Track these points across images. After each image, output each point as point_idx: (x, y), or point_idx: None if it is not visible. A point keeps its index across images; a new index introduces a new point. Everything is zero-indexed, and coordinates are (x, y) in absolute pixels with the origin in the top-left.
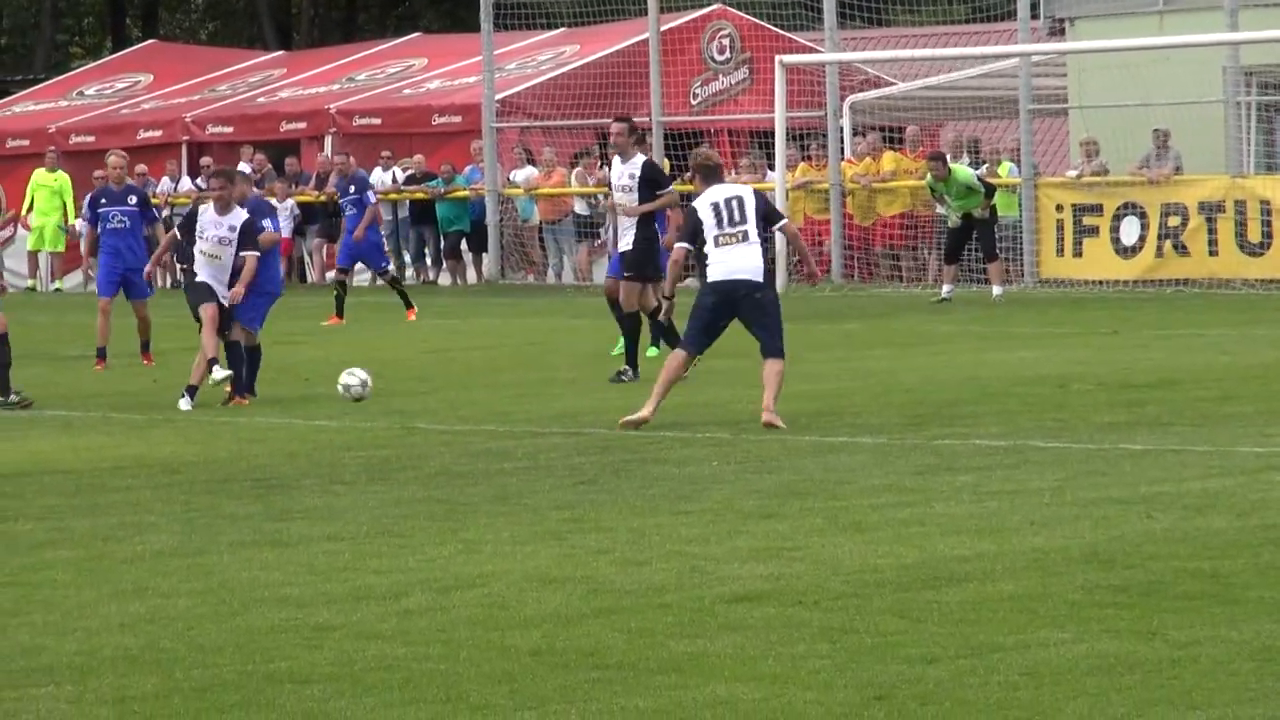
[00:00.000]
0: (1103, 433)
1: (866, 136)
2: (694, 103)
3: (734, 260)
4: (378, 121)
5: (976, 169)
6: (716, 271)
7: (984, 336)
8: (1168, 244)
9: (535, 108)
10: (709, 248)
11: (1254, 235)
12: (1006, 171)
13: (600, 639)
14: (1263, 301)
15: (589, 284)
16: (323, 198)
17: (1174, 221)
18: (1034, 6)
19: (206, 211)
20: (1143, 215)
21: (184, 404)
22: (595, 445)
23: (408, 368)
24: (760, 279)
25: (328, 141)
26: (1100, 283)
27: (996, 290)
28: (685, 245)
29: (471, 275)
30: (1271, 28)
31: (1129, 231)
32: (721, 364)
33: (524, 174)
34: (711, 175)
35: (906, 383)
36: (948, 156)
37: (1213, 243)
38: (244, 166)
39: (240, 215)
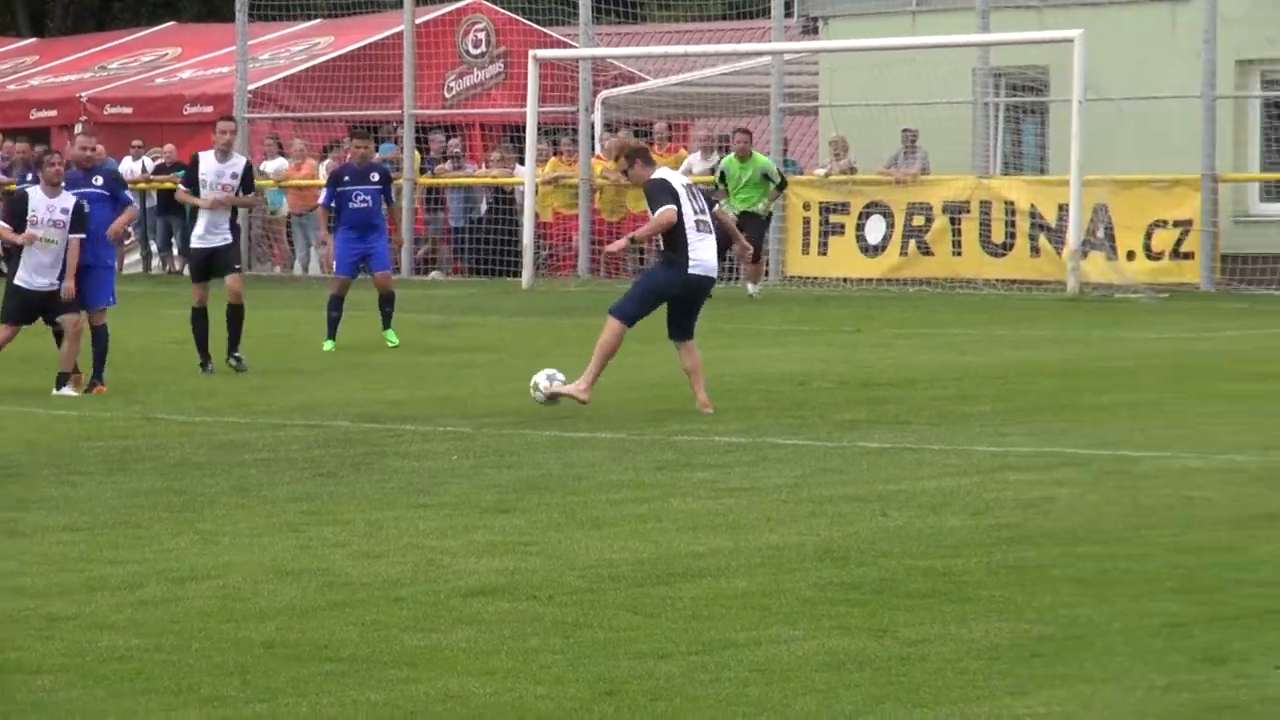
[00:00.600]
0: (841, 430)
1: (619, 132)
2: (448, 96)
3: (708, 253)
4: (129, 110)
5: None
6: (698, 263)
7: (729, 334)
8: (912, 243)
9: (288, 99)
10: (689, 231)
11: (998, 236)
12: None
13: (334, 632)
14: (1003, 302)
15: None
16: None
17: (919, 221)
18: (788, 5)
19: (36, 195)
20: (888, 215)
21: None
22: (335, 438)
23: (150, 357)
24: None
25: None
26: (845, 281)
27: (753, 288)
28: (673, 206)
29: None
30: (1021, 29)
31: (875, 230)
32: (461, 358)
33: (274, 165)
34: (650, 158)
35: (649, 378)
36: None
37: (957, 243)
38: None
39: (70, 198)
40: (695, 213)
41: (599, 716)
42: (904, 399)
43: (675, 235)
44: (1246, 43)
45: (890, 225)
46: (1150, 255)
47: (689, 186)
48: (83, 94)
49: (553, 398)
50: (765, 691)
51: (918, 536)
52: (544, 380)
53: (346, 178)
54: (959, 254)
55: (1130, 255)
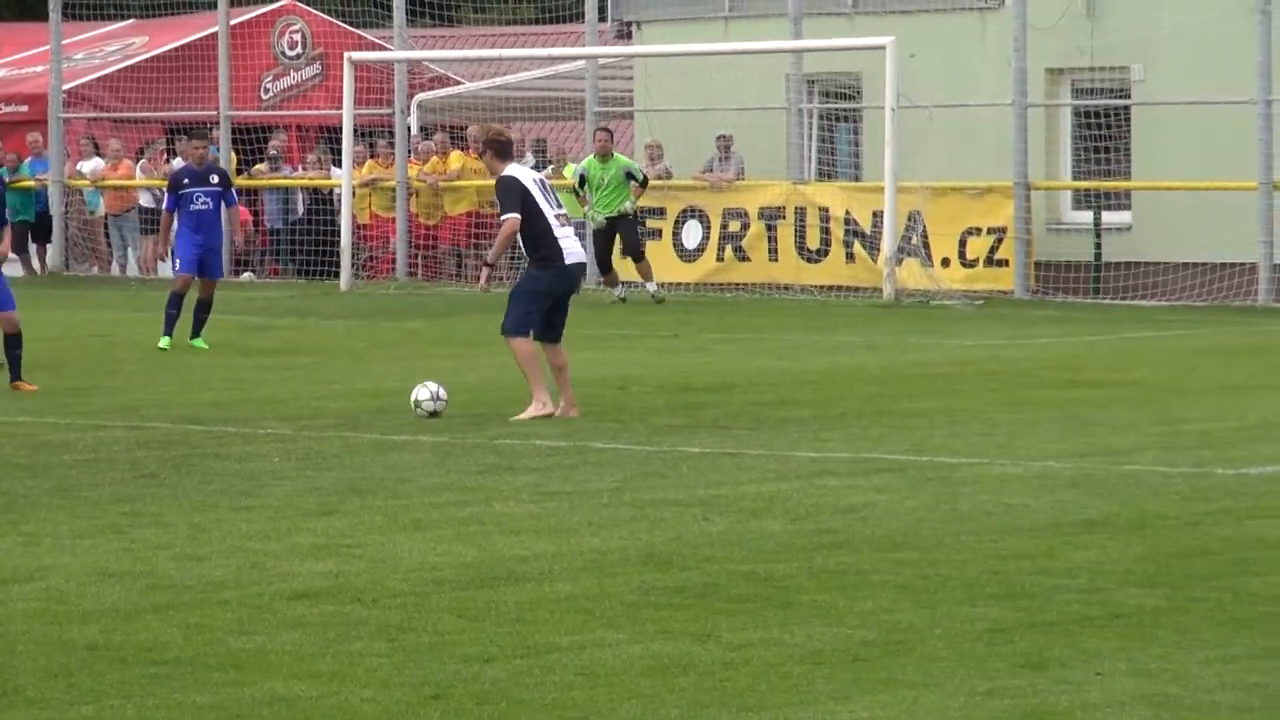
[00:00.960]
0: (661, 435)
1: (435, 135)
2: (265, 98)
3: (575, 243)
4: None
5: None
6: (569, 255)
7: None
8: (729, 249)
9: (103, 99)
10: (554, 228)
11: (813, 242)
12: (571, 173)
13: (159, 634)
14: (820, 308)
15: (154, 277)
16: None
17: (735, 226)
18: (601, 9)
19: None
20: (705, 219)
21: None
22: (157, 439)
23: None
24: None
25: None
26: (662, 285)
27: (652, 287)
28: (517, 215)
29: (36, 266)
30: (834, 37)
31: (691, 235)
32: (281, 360)
33: (91, 165)
34: (507, 152)
35: (468, 381)
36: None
37: (773, 249)
38: None
39: None
40: (553, 206)
41: None
42: (723, 404)
43: (539, 235)
44: (1056, 51)
45: (707, 230)
46: (965, 262)
47: (540, 181)
48: None
49: (434, 414)
50: (590, 695)
51: (739, 541)
52: (426, 397)
53: (186, 180)
54: (775, 260)
55: (945, 262)
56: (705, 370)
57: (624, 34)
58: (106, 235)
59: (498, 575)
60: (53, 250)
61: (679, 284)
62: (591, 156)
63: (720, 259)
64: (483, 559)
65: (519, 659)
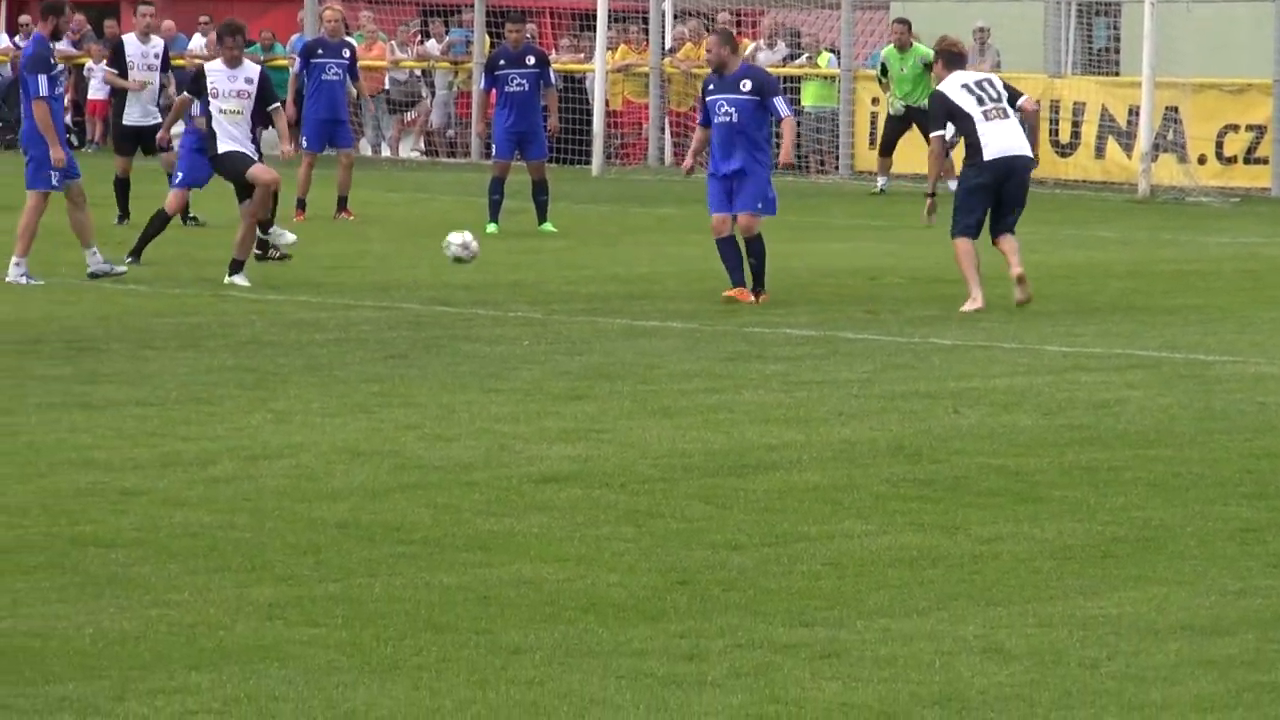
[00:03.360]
0: (912, 326)
1: (688, 22)
2: None
3: (1007, 137)
4: None
5: (796, 58)
6: (989, 150)
7: (797, 227)
8: None
9: None
10: (979, 124)
11: (1064, 136)
12: (826, 62)
13: (406, 514)
14: (1071, 202)
15: (404, 159)
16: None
17: None
18: None
19: (217, 68)
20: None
21: (240, 279)
22: (407, 320)
23: (222, 233)
24: (1030, 154)
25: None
26: (915, 177)
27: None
28: (941, 133)
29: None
30: None
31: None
32: (531, 244)
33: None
34: (956, 61)
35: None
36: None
37: None
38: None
39: (254, 69)
40: (981, 104)
41: (671, 605)
42: None
43: (966, 135)
44: None
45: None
46: (1222, 160)
47: (969, 84)
48: None
49: (459, 259)
50: (838, 585)
51: (990, 435)
52: (458, 242)
53: (502, 61)
54: None
55: (1202, 159)
56: None
57: None
58: (358, 116)
59: (746, 463)
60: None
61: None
62: (890, 46)
63: None
64: (731, 446)
65: (766, 547)
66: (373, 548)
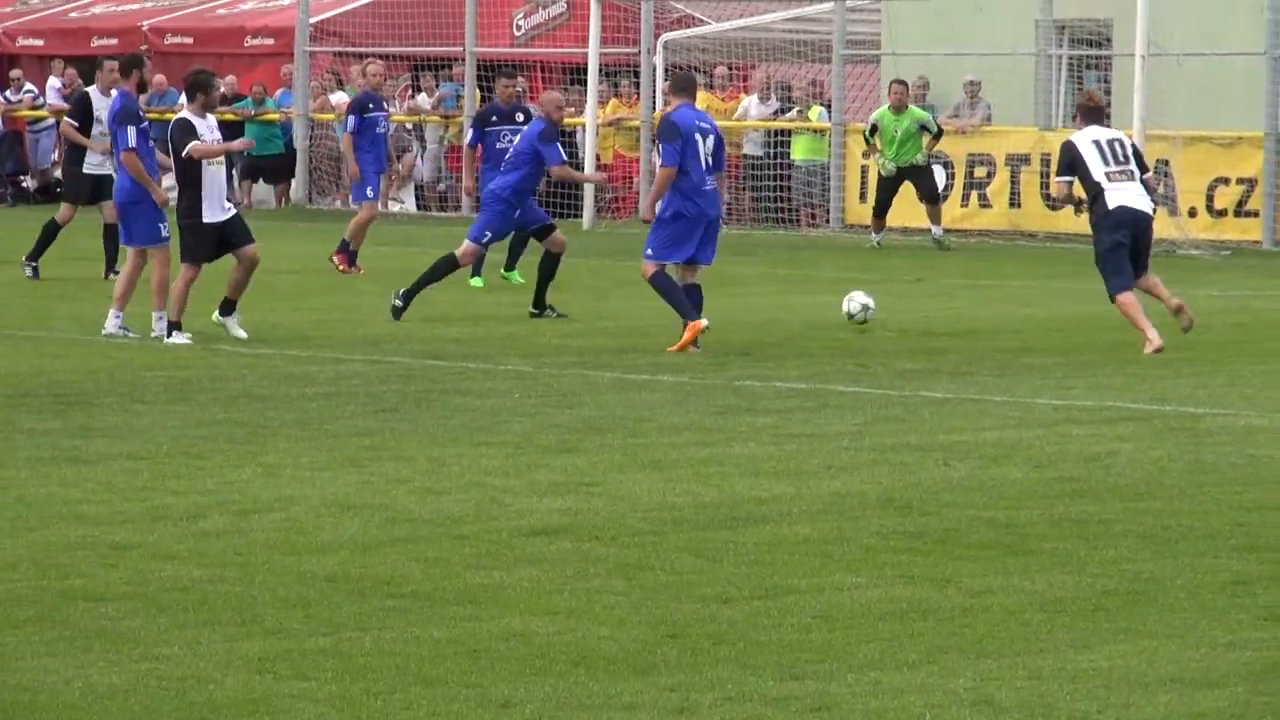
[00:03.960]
0: (903, 379)
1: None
2: (517, 34)
3: (1129, 195)
4: (190, 40)
5: (786, 111)
6: (1115, 200)
7: (787, 279)
8: (974, 194)
9: (349, 33)
10: (1102, 183)
11: (1056, 189)
12: (816, 116)
13: (397, 567)
14: (1063, 255)
15: (395, 212)
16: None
17: (981, 173)
18: None
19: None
20: (949, 165)
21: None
22: (397, 374)
23: (211, 290)
24: (1150, 211)
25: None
26: (905, 230)
27: (938, 231)
28: (1060, 179)
29: (260, 197)
30: None
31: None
32: (522, 298)
33: (336, 98)
34: (1093, 116)
35: (709, 323)
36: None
37: (1015, 194)
38: (54, 81)
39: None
40: (1107, 164)
41: (662, 659)
42: (965, 349)
43: (1088, 190)
44: None
45: (952, 176)
46: (1212, 212)
47: (1099, 142)
48: (144, 23)
49: (864, 321)
50: (828, 638)
51: (980, 487)
52: (857, 308)
53: (494, 117)
54: (1018, 206)
55: (1192, 212)
56: (948, 315)
57: None
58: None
59: (736, 516)
60: (296, 183)
61: (921, 229)
62: (885, 108)
63: (965, 204)
64: (721, 499)
65: (756, 600)
66: (363, 601)
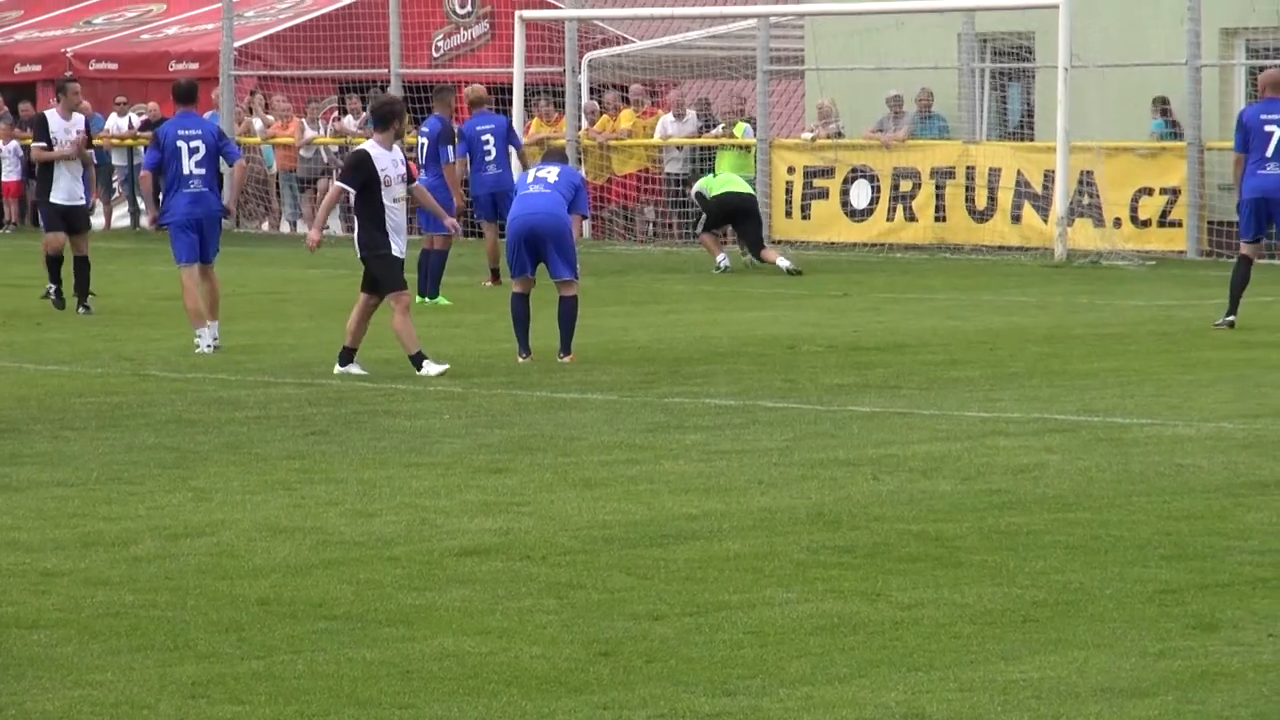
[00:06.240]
0: (831, 394)
1: (605, 94)
2: (436, 55)
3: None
4: (114, 66)
5: (713, 128)
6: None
7: (715, 296)
8: (899, 208)
9: (273, 57)
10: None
11: (981, 202)
12: (742, 132)
13: (328, 590)
14: (989, 267)
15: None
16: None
17: (906, 186)
18: None
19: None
20: (874, 179)
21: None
22: (327, 396)
23: (140, 314)
24: None
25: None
26: (831, 245)
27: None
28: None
29: None
30: None
31: (860, 195)
32: (450, 318)
33: (260, 123)
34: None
35: (638, 340)
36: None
37: (940, 209)
38: None
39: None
40: None
41: (595, 677)
42: (893, 364)
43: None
44: (1230, 11)
45: (876, 190)
46: (1137, 223)
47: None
48: (68, 49)
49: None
50: (760, 654)
51: (909, 501)
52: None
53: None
54: (943, 219)
55: (1117, 222)
56: (875, 330)
57: None
58: (277, 192)
59: (667, 533)
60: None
61: (847, 244)
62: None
63: (890, 219)
64: (652, 517)
65: (688, 617)
66: (295, 624)
